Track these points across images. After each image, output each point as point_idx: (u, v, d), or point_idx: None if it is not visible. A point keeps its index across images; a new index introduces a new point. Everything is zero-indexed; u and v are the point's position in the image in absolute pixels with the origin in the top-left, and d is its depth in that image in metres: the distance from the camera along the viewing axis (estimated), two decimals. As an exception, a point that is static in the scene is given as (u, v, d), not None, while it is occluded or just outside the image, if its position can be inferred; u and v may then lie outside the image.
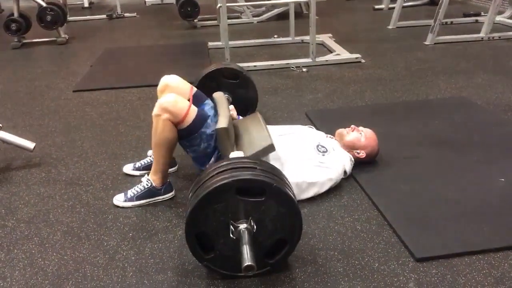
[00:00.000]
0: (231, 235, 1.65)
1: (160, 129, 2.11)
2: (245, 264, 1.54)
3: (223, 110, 2.26)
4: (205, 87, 2.64)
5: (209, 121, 2.18)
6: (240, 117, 2.62)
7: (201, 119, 2.16)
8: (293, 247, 1.76)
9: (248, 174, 1.64)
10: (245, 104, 2.89)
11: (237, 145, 2.21)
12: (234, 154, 2.04)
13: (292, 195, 1.69)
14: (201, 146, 2.19)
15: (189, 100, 2.26)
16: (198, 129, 2.15)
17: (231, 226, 1.65)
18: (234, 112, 2.54)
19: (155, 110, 2.11)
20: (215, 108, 2.34)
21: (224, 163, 1.71)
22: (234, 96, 2.82)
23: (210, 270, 1.77)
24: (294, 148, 2.30)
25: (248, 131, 2.32)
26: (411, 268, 1.78)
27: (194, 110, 2.15)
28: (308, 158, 2.27)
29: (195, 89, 2.41)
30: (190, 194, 1.72)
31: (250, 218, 1.66)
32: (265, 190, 1.64)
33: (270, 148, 2.12)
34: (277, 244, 1.74)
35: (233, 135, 2.23)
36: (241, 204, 1.65)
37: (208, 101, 2.39)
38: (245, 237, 1.62)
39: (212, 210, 1.64)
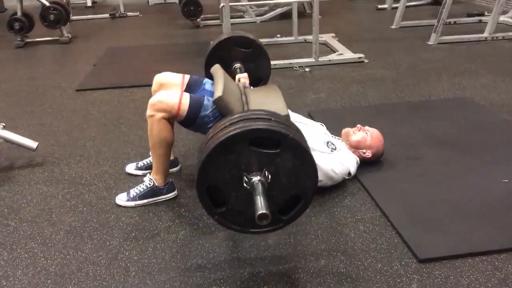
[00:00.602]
0: (244, 185, 1.56)
1: (156, 129, 2.10)
2: (259, 212, 1.46)
3: (218, 81, 2.20)
4: (217, 57, 2.60)
5: (205, 102, 2.14)
6: (252, 87, 2.55)
7: (196, 104, 2.13)
8: (307, 203, 1.67)
9: (263, 125, 1.54)
10: (258, 74, 2.79)
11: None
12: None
13: (308, 147, 1.60)
14: (209, 127, 2.13)
15: (184, 90, 2.25)
16: (197, 115, 2.13)
17: (245, 178, 1.56)
18: (246, 81, 2.46)
19: (148, 111, 2.11)
20: None
21: (237, 114, 1.62)
22: (246, 65, 2.72)
23: (221, 225, 1.70)
24: (306, 137, 2.28)
25: (264, 99, 2.23)
26: (414, 269, 1.78)
27: (186, 98, 2.12)
28: (318, 151, 2.26)
29: (187, 77, 2.40)
30: (202, 146, 1.62)
31: (264, 170, 1.57)
32: (280, 141, 1.54)
33: (286, 118, 2.03)
34: (292, 200, 1.66)
35: (238, 100, 2.15)
36: (254, 156, 1.55)
37: (207, 80, 2.39)
38: (259, 188, 1.53)
39: (224, 161, 1.55)
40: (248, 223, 1.63)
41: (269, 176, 1.57)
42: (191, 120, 2.13)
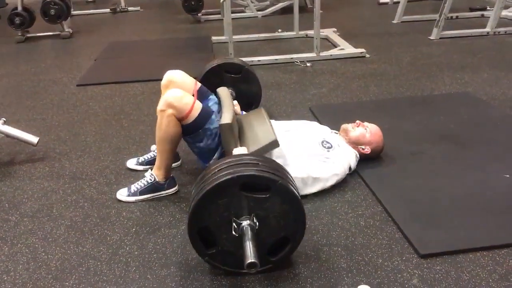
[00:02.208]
0: (233, 232, 1.64)
1: (165, 124, 2.10)
2: (248, 261, 1.54)
3: (227, 106, 2.25)
4: (208, 83, 2.63)
5: (213, 117, 2.18)
6: (244, 113, 2.60)
7: (205, 115, 2.15)
8: (296, 245, 1.76)
9: (253, 170, 1.63)
10: (249, 99, 2.88)
11: (241, 140, 2.20)
12: (238, 150, 2.02)
13: (296, 192, 1.68)
14: (205, 143, 2.18)
15: (193, 95, 2.26)
16: (202, 125, 2.14)
17: (234, 223, 1.64)
18: (237, 108, 2.52)
19: (160, 105, 2.11)
20: (219, 103, 2.33)
21: (228, 159, 1.70)
22: (237, 90, 2.80)
23: (211, 265, 1.76)
24: (299, 144, 2.29)
25: (252, 126, 2.31)
26: (415, 264, 1.78)
27: (198, 105, 2.14)
28: (313, 154, 2.26)
29: (199, 84, 2.40)
30: (194, 189, 1.71)
31: (252, 214, 1.65)
32: (269, 186, 1.63)
33: (274, 144, 2.11)
34: (280, 242, 1.73)
35: (236, 131, 2.22)
36: (244, 200, 1.64)
37: (212, 97, 2.39)
38: (248, 233, 1.61)
39: (215, 205, 1.63)
40: (238, 263, 1.68)
41: (257, 223, 1.65)
42: (195, 128, 2.14)
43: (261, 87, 2.98)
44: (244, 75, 2.87)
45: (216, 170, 1.65)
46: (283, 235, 1.72)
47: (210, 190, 1.60)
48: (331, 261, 1.82)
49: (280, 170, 1.71)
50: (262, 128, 2.24)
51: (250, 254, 1.55)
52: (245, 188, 1.63)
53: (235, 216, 1.65)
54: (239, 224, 1.64)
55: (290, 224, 1.70)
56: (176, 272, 1.80)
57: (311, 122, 2.63)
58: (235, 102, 2.55)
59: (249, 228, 1.62)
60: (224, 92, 2.42)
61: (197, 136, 2.17)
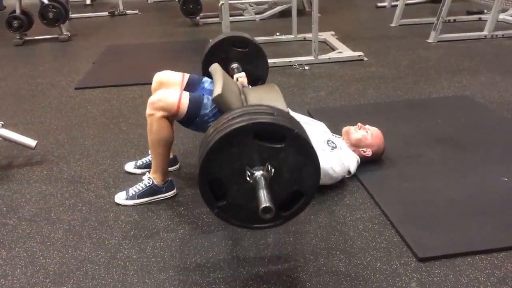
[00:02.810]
0: (247, 179, 1.55)
1: (155, 128, 2.11)
2: (263, 206, 1.45)
3: (217, 80, 2.20)
4: (214, 58, 2.59)
5: (205, 101, 2.15)
6: (250, 86, 2.55)
7: (195, 104, 2.13)
8: (309, 199, 1.65)
9: (268, 118, 1.53)
10: (256, 73, 2.79)
11: None
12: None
13: (311, 144, 1.59)
14: (209, 126, 2.15)
15: (183, 89, 2.26)
16: (197, 114, 2.13)
17: (248, 172, 1.55)
18: (244, 80, 2.48)
19: (148, 110, 2.12)
20: None
21: (241, 108, 1.59)
22: (244, 65, 2.72)
23: (221, 219, 1.68)
24: None
25: (262, 98, 2.22)
26: (413, 268, 1.78)
27: (186, 97, 2.13)
28: (319, 148, 2.25)
29: (187, 75, 2.40)
30: (204, 140, 1.61)
31: (267, 164, 1.55)
32: (285, 136, 1.53)
33: (288, 114, 2.02)
34: (293, 196, 1.63)
35: (237, 98, 2.15)
36: (258, 150, 1.54)
37: (206, 79, 2.40)
38: (262, 182, 1.52)
39: (228, 154, 1.54)
40: (248, 218, 1.63)
41: (272, 171, 1.55)
42: (191, 119, 2.13)
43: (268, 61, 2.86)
44: (251, 49, 2.76)
45: (230, 118, 1.54)
46: (296, 189, 1.62)
47: (223, 138, 1.49)
48: (330, 264, 1.82)
49: (295, 121, 1.62)
50: (274, 101, 2.14)
51: (264, 199, 1.46)
52: (259, 137, 1.53)
53: (248, 165, 1.55)
54: (252, 174, 1.55)
55: (304, 177, 1.59)
56: (174, 276, 1.80)
57: (319, 122, 2.64)
58: (243, 73, 2.51)
59: (262, 178, 1.53)
60: (214, 68, 2.36)
61: (197, 125, 2.17)
